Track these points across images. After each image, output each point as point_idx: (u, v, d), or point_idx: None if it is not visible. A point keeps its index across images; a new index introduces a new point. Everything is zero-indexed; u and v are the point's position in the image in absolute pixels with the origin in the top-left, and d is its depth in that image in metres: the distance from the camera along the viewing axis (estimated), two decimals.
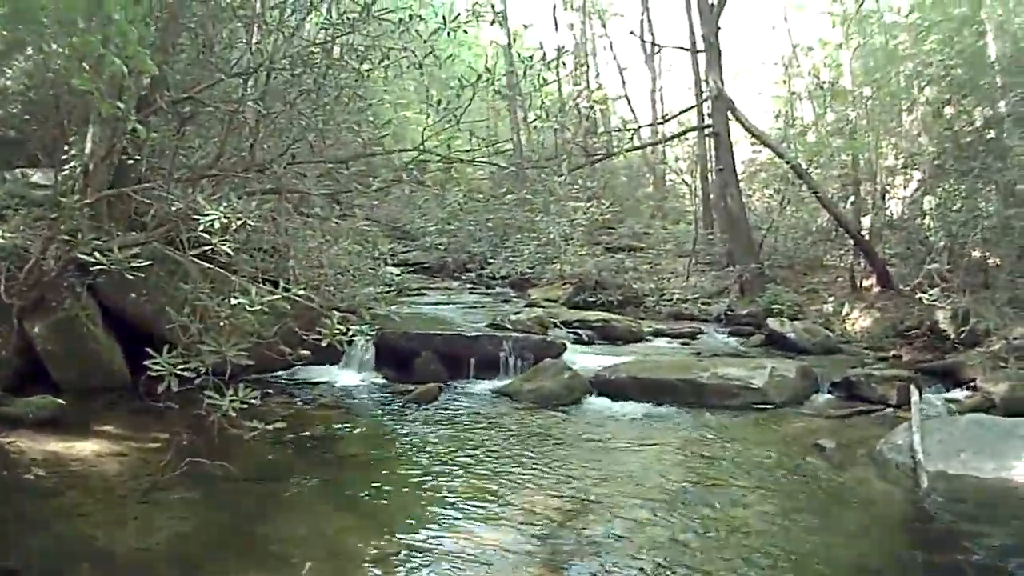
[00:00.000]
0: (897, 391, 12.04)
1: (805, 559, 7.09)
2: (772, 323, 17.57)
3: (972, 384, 12.47)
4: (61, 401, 9.35)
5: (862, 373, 13.07)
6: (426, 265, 26.74)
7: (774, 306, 19.32)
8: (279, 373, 12.03)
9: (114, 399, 10.08)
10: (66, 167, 10.07)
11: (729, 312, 20.47)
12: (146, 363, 7.27)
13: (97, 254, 7.51)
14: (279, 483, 8.14)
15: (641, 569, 6.71)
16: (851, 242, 20.81)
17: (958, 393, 12.45)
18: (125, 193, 9.56)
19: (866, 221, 21.93)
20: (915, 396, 11.09)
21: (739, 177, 24.49)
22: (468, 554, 6.80)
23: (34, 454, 8.11)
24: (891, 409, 11.75)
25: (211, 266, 9.47)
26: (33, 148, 14.01)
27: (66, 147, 10.24)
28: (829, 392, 12.95)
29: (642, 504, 8.14)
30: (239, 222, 7.49)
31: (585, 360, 14.07)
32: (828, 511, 8.28)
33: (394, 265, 20.99)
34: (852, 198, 23.43)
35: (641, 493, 8.45)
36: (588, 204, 24.18)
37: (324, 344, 8.25)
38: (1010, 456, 9.05)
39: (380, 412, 11.12)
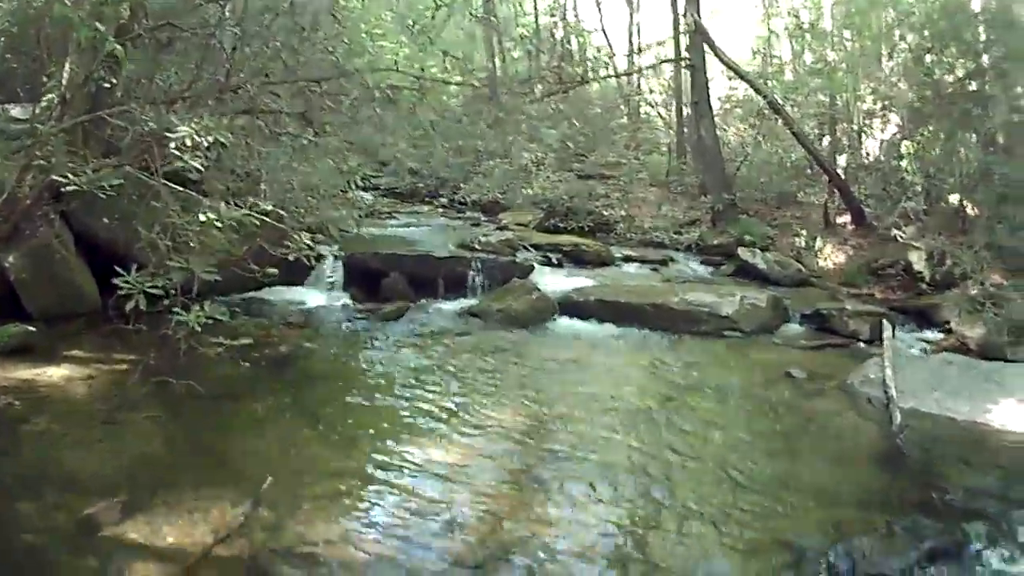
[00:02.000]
0: (869, 327, 12.14)
1: (771, 483, 7.25)
2: (743, 253, 17.62)
3: (947, 326, 12.54)
4: (31, 328, 9.46)
5: (834, 306, 13.19)
6: (398, 190, 26.42)
7: (746, 237, 19.29)
8: (247, 294, 11.97)
9: (84, 324, 10.22)
10: (44, 98, 10.06)
11: (700, 242, 20.30)
12: (115, 280, 7.23)
13: (71, 175, 7.47)
14: (244, 400, 8.27)
15: (602, 485, 6.92)
16: (825, 179, 20.73)
17: (932, 335, 12.58)
18: (101, 117, 9.41)
19: (841, 160, 21.88)
20: (887, 331, 11.13)
21: (715, 112, 24.26)
22: (431, 468, 7.01)
23: (3, 382, 8.16)
24: (863, 344, 11.93)
25: (183, 189, 9.41)
26: (14, 85, 14.14)
27: (45, 79, 10.19)
28: (800, 324, 13.02)
29: (606, 423, 8.34)
30: (210, 139, 7.43)
31: (553, 282, 14.24)
32: (797, 438, 8.44)
33: (365, 189, 20.82)
34: (828, 137, 23.36)
35: (605, 412, 8.67)
36: (560, 129, 24.01)
37: (292, 258, 8.25)
38: (986, 400, 9.13)
39: (347, 331, 11.27)
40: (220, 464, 6.78)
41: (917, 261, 15.17)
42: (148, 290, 7.15)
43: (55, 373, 8.49)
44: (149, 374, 8.03)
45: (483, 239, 16.41)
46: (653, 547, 6.21)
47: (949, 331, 12.41)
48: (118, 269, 7.24)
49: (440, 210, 24.62)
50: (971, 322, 12.01)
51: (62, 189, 7.94)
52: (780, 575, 6.05)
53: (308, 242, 8.24)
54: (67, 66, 9.58)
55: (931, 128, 16.52)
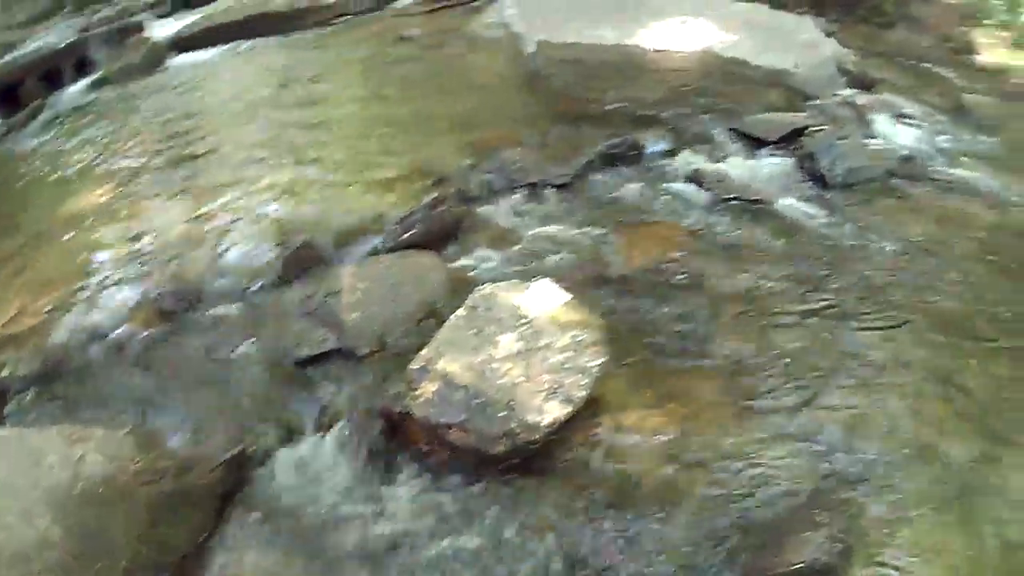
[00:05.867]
0: None
1: (406, 124, 7.32)
2: None
3: None
4: None
5: None
6: None
7: None
8: None
9: None
10: None
11: None
12: None
13: None
14: None
15: (248, 166, 6.84)
16: None
17: None
18: None
19: None
20: None
21: None
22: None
23: None
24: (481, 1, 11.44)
25: None
26: None
27: None
28: None
29: (230, 113, 8.49)
30: None
31: (166, 29, 13.55)
32: (423, 83, 8.35)
33: None
34: None
35: (223, 110, 8.73)
36: None
37: None
38: (635, 24, 8.99)
39: None
40: None
41: None
42: None
43: None
44: None
45: (96, 19, 15.70)
46: (300, 207, 6.12)
47: None
48: None
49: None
50: None
51: None
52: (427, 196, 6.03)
53: None
54: None
55: None
